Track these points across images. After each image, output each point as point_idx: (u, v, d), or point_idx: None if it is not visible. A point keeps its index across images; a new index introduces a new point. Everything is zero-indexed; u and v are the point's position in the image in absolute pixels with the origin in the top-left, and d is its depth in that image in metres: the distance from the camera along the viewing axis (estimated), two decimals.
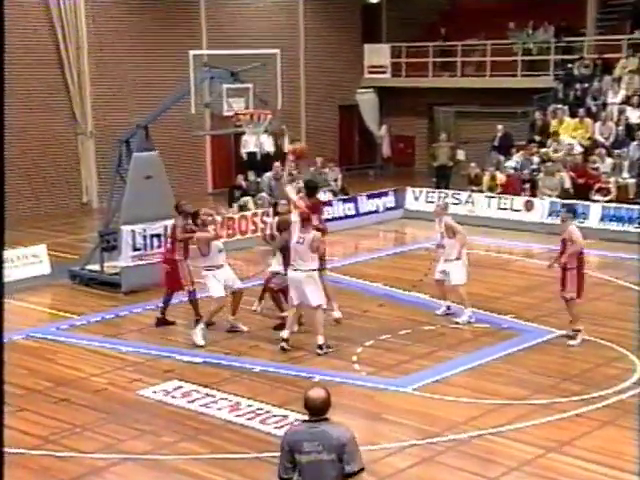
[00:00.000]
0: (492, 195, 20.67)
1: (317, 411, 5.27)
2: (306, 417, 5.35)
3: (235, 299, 12.38)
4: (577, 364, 11.09)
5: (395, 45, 28.92)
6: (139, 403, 10.08)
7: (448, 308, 13.14)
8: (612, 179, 20.07)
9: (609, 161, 20.65)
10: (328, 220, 16.15)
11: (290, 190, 12.03)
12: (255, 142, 22.37)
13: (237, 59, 18.06)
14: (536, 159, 21.46)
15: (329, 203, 19.99)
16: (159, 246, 14.52)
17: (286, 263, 11.77)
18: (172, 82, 22.11)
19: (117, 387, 10.56)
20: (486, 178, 21.44)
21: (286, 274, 11.66)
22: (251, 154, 23.06)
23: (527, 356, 11.41)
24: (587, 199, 19.45)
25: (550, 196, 19.94)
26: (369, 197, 21.12)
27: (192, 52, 15.06)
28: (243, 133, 19.29)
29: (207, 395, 10.18)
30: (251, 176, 21.59)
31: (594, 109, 22.64)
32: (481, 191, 21.13)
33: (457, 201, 20.53)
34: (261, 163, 22.21)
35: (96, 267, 15.22)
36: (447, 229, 12.83)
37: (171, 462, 8.56)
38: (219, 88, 14.80)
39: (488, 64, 26.83)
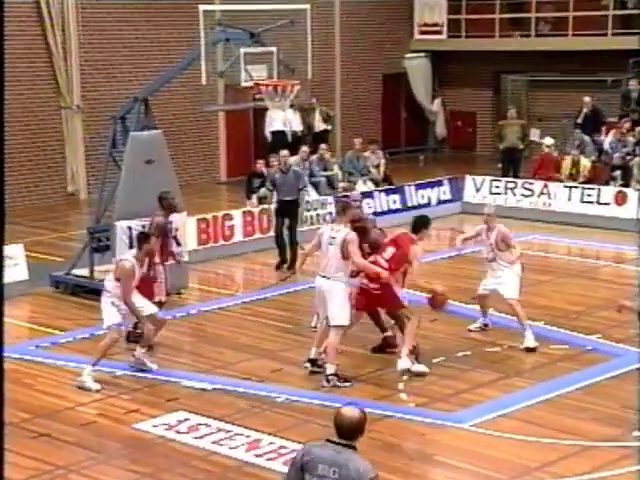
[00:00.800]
0: (574, 185, 20.59)
1: (345, 432, 5.39)
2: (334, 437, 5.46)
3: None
4: None
5: None
6: (136, 439, 10.13)
7: (485, 325, 13.30)
8: None
9: None
10: None
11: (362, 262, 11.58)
12: (283, 119, 22.36)
13: (258, 16, 18.20)
14: (631, 139, 21.33)
15: (369, 194, 20.01)
16: None
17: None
18: (178, 45, 22.29)
19: (109, 419, 10.61)
20: (567, 164, 21.33)
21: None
22: (278, 133, 23.02)
23: (617, 386, 11.33)
24: None
25: None
26: (419, 187, 21.10)
27: (202, 7, 15.05)
28: (265, 109, 19.32)
29: (219, 430, 10.21)
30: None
31: None
32: (560, 180, 21.05)
33: (529, 192, 20.46)
34: (292, 145, 21.87)
35: (84, 272, 15.31)
36: (501, 241, 12.74)
37: None
38: (236, 53, 14.85)
39: (570, 20, 26.62)
